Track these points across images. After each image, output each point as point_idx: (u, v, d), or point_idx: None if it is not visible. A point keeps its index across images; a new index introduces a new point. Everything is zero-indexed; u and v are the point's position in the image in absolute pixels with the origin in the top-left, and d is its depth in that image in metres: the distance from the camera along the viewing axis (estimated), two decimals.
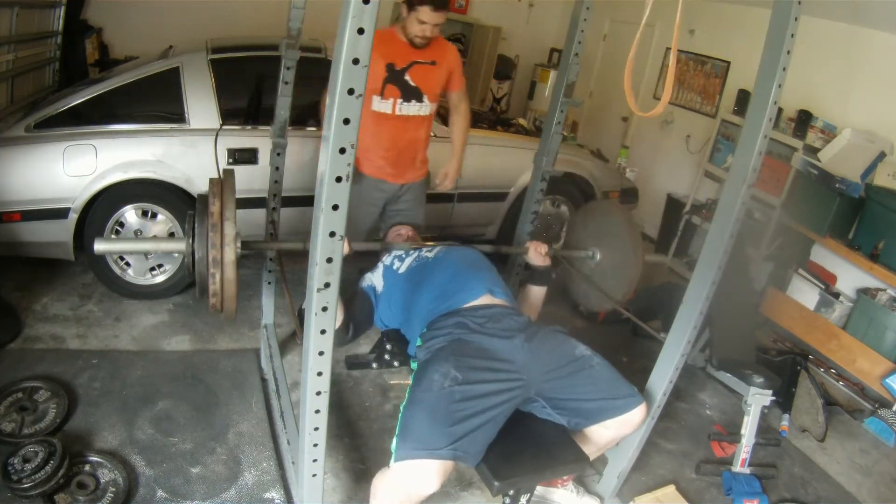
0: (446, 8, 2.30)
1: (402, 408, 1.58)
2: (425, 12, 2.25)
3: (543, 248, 2.16)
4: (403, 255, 2.02)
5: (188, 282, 2.99)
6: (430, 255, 1.98)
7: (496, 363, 1.66)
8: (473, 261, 1.98)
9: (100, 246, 1.47)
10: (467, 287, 1.84)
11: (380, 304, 1.98)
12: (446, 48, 2.52)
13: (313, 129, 3.03)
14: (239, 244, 1.48)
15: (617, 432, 1.75)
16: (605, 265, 2.26)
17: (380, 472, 1.57)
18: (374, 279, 2.03)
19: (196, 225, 1.45)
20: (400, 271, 1.97)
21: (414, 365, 1.76)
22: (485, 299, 1.82)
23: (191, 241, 1.45)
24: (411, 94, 2.41)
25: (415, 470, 1.45)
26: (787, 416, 2.77)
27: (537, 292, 2.20)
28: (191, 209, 2.85)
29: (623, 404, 1.70)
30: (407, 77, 2.38)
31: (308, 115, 3.03)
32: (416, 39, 2.34)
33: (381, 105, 2.39)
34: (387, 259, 2.06)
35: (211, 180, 1.51)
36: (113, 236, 2.78)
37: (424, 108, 2.46)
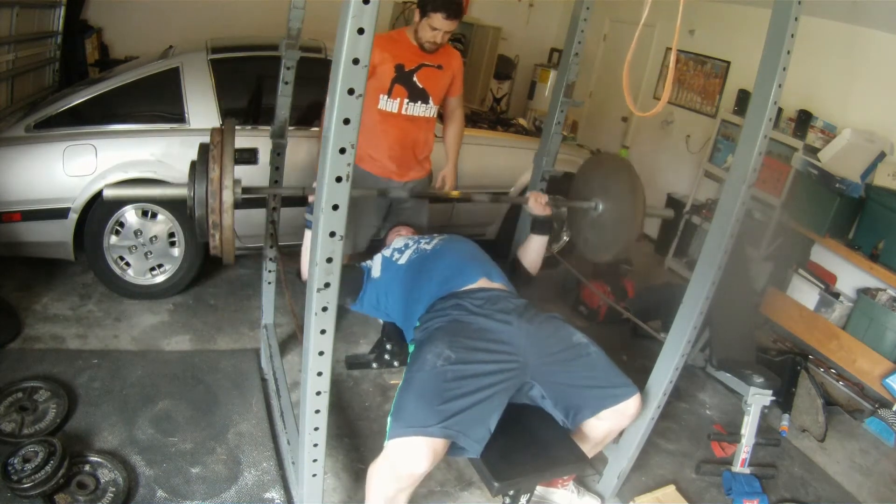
0: (459, 17, 2.33)
1: (397, 389, 1.59)
2: (438, 19, 2.29)
3: (543, 198, 2.22)
4: (403, 248, 2.04)
5: (188, 282, 2.99)
6: (428, 246, 2.00)
7: (493, 344, 1.67)
8: (471, 250, 2.02)
9: (109, 192, 1.65)
10: (465, 272, 1.87)
11: (370, 288, 1.99)
12: (452, 54, 2.56)
13: (315, 129, 3.03)
14: (238, 190, 1.57)
15: (613, 424, 1.75)
16: (606, 217, 2.25)
17: (374, 459, 1.58)
18: (372, 264, 2.05)
19: (197, 176, 1.54)
20: (400, 262, 1.98)
21: (412, 347, 1.77)
22: (482, 283, 1.85)
23: (192, 193, 1.57)
24: (418, 95, 2.45)
25: (405, 448, 1.46)
26: (787, 416, 2.77)
27: (538, 241, 2.25)
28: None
29: (619, 393, 1.70)
30: (415, 79, 2.42)
31: (312, 115, 3.04)
32: (426, 45, 2.38)
33: (389, 104, 2.43)
34: (386, 251, 2.08)
35: (213, 131, 1.58)
36: (113, 239, 2.79)
37: (430, 109, 2.51)
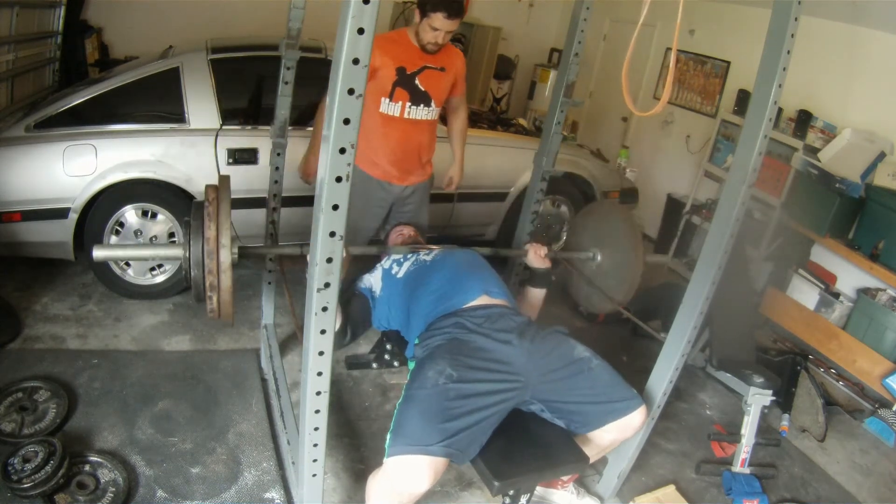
0: (460, 16, 2.30)
1: (397, 405, 1.58)
2: (439, 19, 2.25)
3: (543, 250, 2.17)
4: (402, 260, 2.02)
5: (188, 282, 2.99)
6: (427, 258, 1.98)
7: (493, 363, 1.65)
8: (471, 262, 1.99)
9: (99, 252, 1.50)
10: (464, 288, 1.84)
11: (378, 307, 1.98)
12: (454, 55, 2.53)
13: (310, 128, 3.03)
14: (236, 250, 1.49)
15: (617, 436, 1.74)
16: (605, 266, 2.26)
17: (374, 472, 1.57)
18: (373, 280, 2.04)
19: (192, 235, 1.46)
20: (399, 276, 1.97)
21: (412, 364, 1.76)
22: (482, 300, 1.82)
23: (187, 253, 1.48)
24: (420, 98, 2.42)
25: (406, 466, 1.45)
26: (787, 416, 2.77)
27: (537, 294, 2.20)
28: (191, 207, 2.86)
29: (622, 407, 1.69)
30: (417, 81, 2.39)
31: (312, 115, 3.04)
32: (428, 46, 2.35)
33: (390, 108, 2.39)
34: (385, 262, 2.06)
35: (207, 187, 1.51)
36: (113, 239, 2.79)
37: (432, 112, 2.48)
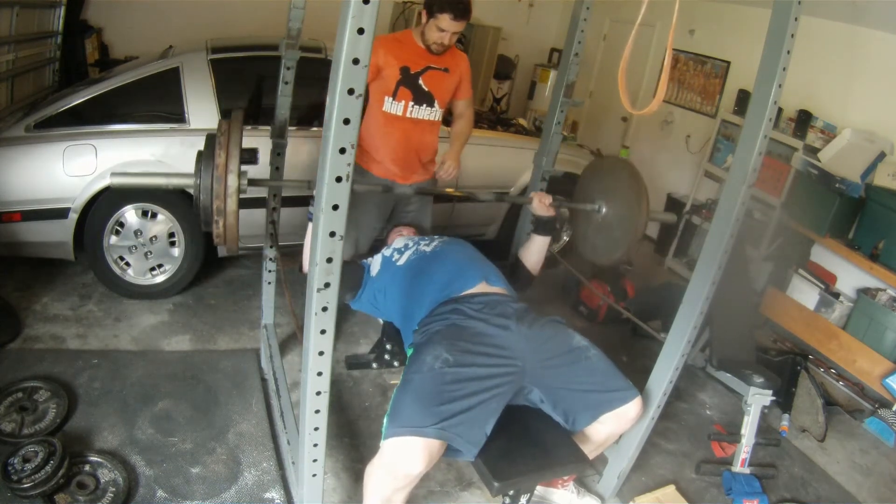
0: (466, 17, 2.31)
1: (395, 390, 1.60)
2: (445, 20, 2.27)
3: (547, 198, 2.21)
4: (402, 249, 2.05)
5: (188, 282, 2.99)
6: (427, 248, 2.01)
7: (491, 348, 1.67)
8: (470, 254, 2.02)
9: (115, 179, 1.65)
10: (464, 276, 1.87)
11: (368, 287, 2.02)
12: (459, 57, 2.54)
13: (315, 128, 3.03)
14: (245, 179, 1.62)
15: (613, 428, 1.75)
16: (610, 218, 2.25)
17: (371, 460, 1.58)
18: (372, 263, 2.07)
19: (203, 163, 1.59)
20: (399, 263, 1.99)
21: (410, 351, 1.77)
22: (481, 287, 1.85)
23: (198, 180, 1.62)
24: (423, 98, 2.42)
25: (401, 448, 1.46)
26: (787, 416, 2.77)
27: (541, 242, 2.26)
28: (191, 207, 2.86)
29: (619, 397, 1.70)
30: (420, 81, 2.40)
31: (312, 115, 3.04)
32: (433, 46, 2.36)
33: (393, 107, 2.40)
34: (387, 251, 2.09)
35: (220, 121, 1.64)
36: (113, 239, 2.79)
37: (435, 112, 2.48)
